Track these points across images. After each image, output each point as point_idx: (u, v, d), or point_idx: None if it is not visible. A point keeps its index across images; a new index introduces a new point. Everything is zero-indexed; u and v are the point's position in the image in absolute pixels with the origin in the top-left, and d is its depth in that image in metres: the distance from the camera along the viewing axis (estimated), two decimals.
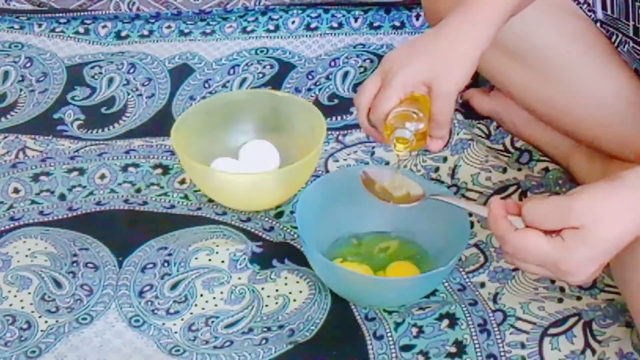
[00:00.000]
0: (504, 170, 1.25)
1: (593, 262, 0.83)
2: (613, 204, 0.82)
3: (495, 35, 0.96)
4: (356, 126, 1.35)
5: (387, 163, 1.27)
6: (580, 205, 0.82)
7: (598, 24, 1.18)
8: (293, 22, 1.53)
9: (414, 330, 1.02)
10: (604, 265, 0.85)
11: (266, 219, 1.18)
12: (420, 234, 1.10)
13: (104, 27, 1.54)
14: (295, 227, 1.16)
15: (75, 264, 1.11)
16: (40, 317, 1.04)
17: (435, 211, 1.05)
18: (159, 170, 1.26)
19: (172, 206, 1.20)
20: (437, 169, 1.25)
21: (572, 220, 0.82)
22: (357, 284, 1.03)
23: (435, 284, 1.06)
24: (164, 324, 1.04)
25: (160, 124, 1.35)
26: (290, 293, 1.07)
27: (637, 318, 0.95)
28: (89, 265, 1.11)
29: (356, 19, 1.53)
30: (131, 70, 1.46)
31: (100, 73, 1.46)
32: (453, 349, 1.00)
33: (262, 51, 1.49)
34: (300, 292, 1.07)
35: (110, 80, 1.44)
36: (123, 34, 1.53)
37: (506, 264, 1.10)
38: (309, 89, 1.42)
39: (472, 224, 1.14)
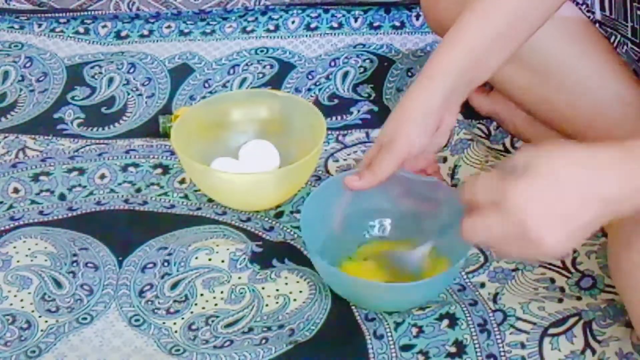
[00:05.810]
0: None
1: (540, 199, 0.78)
2: (548, 147, 0.81)
3: (446, 97, 1.02)
4: (356, 126, 1.35)
5: None
6: (518, 154, 0.82)
7: (597, 25, 1.18)
8: (293, 22, 1.53)
9: (414, 330, 1.02)
10: (565, 217, 0.79)
11: (266, 219, 1.18)
12: (424, 236, 1.09)
13: (103, 27, 1.54)
14: (295, 227, 1.16)
15: (75, 264, 1.11)
16: (40, 316, 1.04)
17: (440, 213, 1.05)
18: (159, 170, 1.26)
19: (172, 206, 1.20)
20: None
21: (513, 161, 0.81)
22: (362, 289, 1.02)
23: (441, 288, 1.05)
24: (164, 323, 1.04)
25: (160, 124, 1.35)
26: (290, 293, 1.07)
27: (635, 323, 0.94)
28: (89, 265, 1.11)
29: (356, 19, 1.53)
30: (131, 70, 1.46)
31: (100, 73, 1.46)
32: (453, 349, 1.00)
33: (262, 51, 1.49)
34: (301, 292, 1.07)
35: (110, 80, 1.45)
36: (123, 33, 1.53)
37: (506, 264, 1.10)
38: (309, 89, 1.42)
39: None
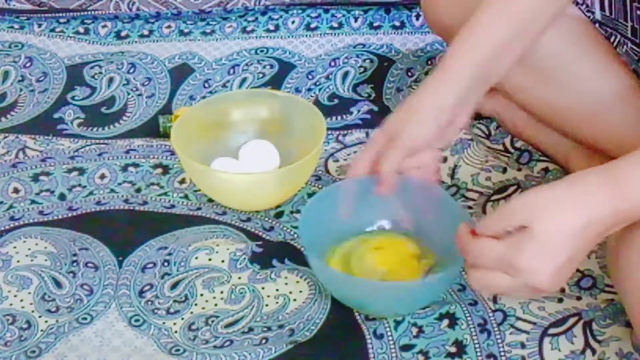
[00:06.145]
0: (504, 171, 1.25)
1: (546, 257, 0.84)
2: (548, 197, 0.85)
3: (462, 94, 1.02)
4: (356, 126, 1.35)
5: None
6: (517, 203, 0.86)
7: (597, 25, 1.18)
8: (293, 22, 1.53)
9: (414, 330, 1.02)
10: (566, 264, 0.85)
11: (266, 219, 1.18)
12: (424, 234, 1.09)
13: (104, 27, 1.54)
14: (295, 227, 1.16)
15: (75, 264, 1.11)
16: (40, 316, 1.04)
17: (439, 212, 1.05)
18: (159, 170, 1.26)
19: (172, 206, 1.20)
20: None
21: (514, 218, 0.85)
22: (365, 290, 1.02)
23: (445, 286, 1.05)
24: (164, 323, 1.04)
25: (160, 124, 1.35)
26: (290, 293, 1.07)
27: (634, 323, 0.94)
28: (89, 265, 1.11)
29: (356, 19, 1.53)
30: (131, 70, 1.46)
31: (100, 73, 1.46)
32: (453, 349, 1.00)
33: (262, 51, 1.49)
34: (301, 291, 1.07)
35: (110, 80, 1.45)
36: (123, 33, 1.53)
37: None
38: (309, 89, 1.42)
39: None
